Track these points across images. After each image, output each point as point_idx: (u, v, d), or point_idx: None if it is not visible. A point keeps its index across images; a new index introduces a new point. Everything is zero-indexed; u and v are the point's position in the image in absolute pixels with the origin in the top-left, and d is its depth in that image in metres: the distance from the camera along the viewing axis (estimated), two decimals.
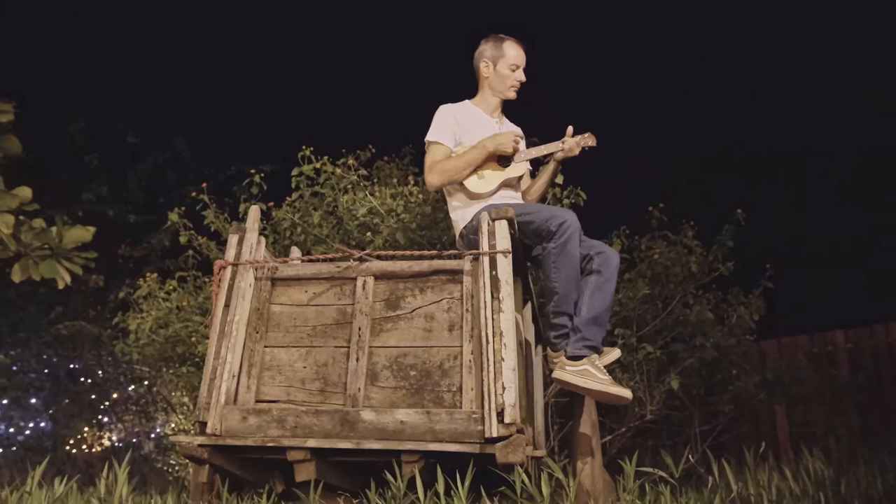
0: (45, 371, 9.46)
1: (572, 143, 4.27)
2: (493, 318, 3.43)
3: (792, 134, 13.13)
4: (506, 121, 4.52)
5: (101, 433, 9.22)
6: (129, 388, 9.31)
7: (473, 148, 4.17)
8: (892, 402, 7.74)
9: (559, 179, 5.38)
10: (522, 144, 4.39)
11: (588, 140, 4.29)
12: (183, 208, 6.27)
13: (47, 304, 9.39)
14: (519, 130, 4.59)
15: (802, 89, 14.76)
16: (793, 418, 7.77)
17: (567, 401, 5.41)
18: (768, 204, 11.95)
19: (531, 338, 4.42)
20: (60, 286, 4.17)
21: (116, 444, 9.15)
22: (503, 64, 4.38)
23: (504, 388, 3.27)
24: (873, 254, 11.36)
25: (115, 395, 9.28)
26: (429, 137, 4.27)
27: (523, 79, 4.40)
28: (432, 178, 4.18)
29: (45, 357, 9.43)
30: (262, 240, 3.97)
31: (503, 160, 4.21)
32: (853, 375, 7.88)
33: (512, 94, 4.41)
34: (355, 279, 3.77)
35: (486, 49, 4.44)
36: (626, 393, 3.69)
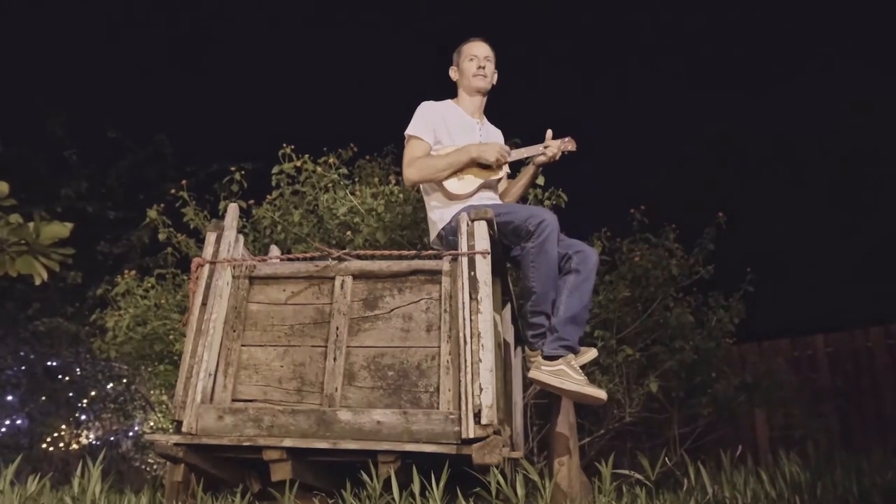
0: (22, 368, 9.39)
1: (553, 147, 4.27)
2: (471, 319, 3.42)
3: (774, 138, 13.18)
4: (486, 122, 4.51)
5: (79, 431, 9.16)
6: (108, 386, 9.26)
7: (457, 151, 4.15)
8: (871, 407, 7.77)
9: (540, 180, 5.38)
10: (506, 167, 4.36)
11: (568, 145, 4.30)
12: (162, 205, 6.22)
13: (24, 300, 9.33)
14: (500, 133, 4.59)
15: (785, 93, 14.83)
16: (772, 422, 7.79)
17: (546, 402, 5.40)
18: (750, 207, 11.97)
19: (510, 339, 4.40)
20: (37, 282, 4.13)
21: (94, 442, 9.09)
22: (463, 60, 4.44)
23: (481, 390, 3.26)
24: (854, 258, 11.41)
25: (93, 393, 9.22)
26: (409, 131, 4.26)
27: (483, 64, 4.40)
28: (411, 172, 4.17)
29: (21, 354, 9.36)
30: (241, 238, 3.95)
31: (484, 166, 4.20)
32: (833, 379, 7.91)
33: (478, 83, 4.40)
34: (333, 278, 3.75)
35: (453, 59, 4.52)
36: (601, 394, 3.69)
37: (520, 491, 2.98)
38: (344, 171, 6.01)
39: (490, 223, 3.65)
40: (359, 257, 3.89)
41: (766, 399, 7.16)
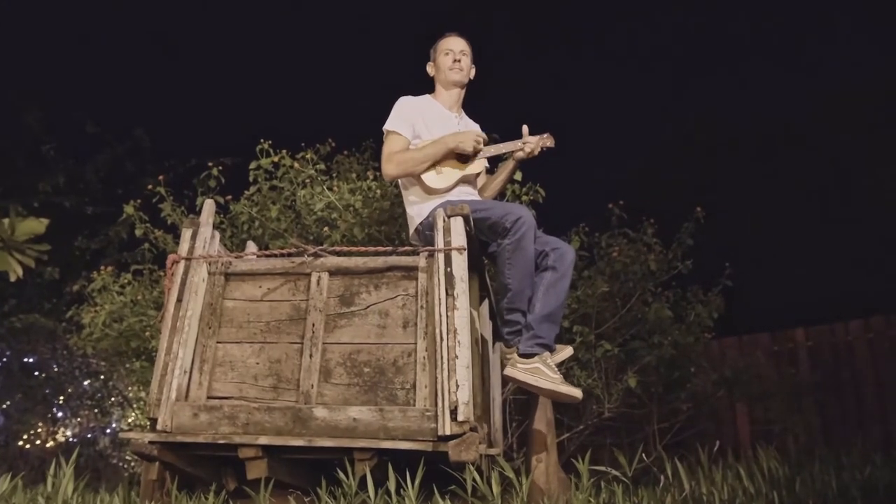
0: None
1: (532, 143, 4.26)
2: (447, 315, 3.41)
3: (752, 130, 13.21)
4: (465, 116, 4.50)
5: (55, 428, 9.09)
6: (85, 383, 9.18)
7: (434, 143, 4.15)
8: (851, 401, 7.80)
9: (518, 176, 5.37)
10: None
11: (546, 141, 4.30)
12: (139, 200, 6.16)
13: (0, 296, 9.25)
14: (477, 127, 4.58)
15: (762, 85, 14.88)
16: (753, 416, 7.81)
17: (525, 398, 5.39)
18: (729, 201, 11.99)
19: (488, 335, 4.39)
20: (13, 278, 4.09)
21: (71, 439, 9.03)
22: (439, 55, 4.46)
23: (458, 386, 3.25)
24: (834, 251, 11.45)
25: (69, 390, 9.15)
26: (387, 127, 4.25)
27: (459, 58, 4.41)
28: (389, 168, 4.15)
29: None
30: (217, 234, 3.93)
31: (462, 158, 4.19)
32: (813, 373, 7.93)
33: (454, 77, 4.40)
34: (309, 275, 3.74)
35: (430, 55, 4.54)
36: (576, 392, 3.68)
37: (495, 488, 2.97)
38: (321, 166, 5.98)
39: (466, 219, 3.65)
40: (335, 254, 3.87)
41: (747, 393, 7.17)
